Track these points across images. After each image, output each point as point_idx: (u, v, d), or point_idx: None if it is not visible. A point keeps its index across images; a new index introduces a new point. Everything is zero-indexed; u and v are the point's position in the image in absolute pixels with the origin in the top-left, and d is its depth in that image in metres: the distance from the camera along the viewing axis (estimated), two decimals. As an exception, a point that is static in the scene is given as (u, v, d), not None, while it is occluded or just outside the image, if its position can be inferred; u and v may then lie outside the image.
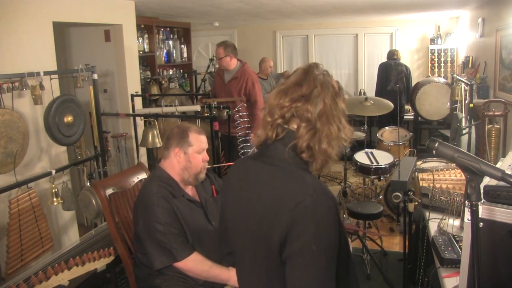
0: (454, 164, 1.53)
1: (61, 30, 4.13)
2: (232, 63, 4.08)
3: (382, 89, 5.77)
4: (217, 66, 5.68)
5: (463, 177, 2.31)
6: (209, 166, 2.20)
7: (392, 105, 4.47)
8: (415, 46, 6.69)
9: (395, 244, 3.69)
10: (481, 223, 1.19)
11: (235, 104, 3.97)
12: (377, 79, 5.93)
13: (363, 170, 4.02)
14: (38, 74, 2.60)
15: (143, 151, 4.02)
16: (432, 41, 6.44)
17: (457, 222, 2.03)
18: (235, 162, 1.31)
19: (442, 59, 6.32)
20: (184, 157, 2.02)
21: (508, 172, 0.94)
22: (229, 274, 1.97)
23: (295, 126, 1.10)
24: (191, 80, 6.14)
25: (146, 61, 5.17)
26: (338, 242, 1.04)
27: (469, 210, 0.97)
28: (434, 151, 1.04)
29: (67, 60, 4.21)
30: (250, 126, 4.07)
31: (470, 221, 0.97)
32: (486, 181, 1.31)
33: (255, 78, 4.15)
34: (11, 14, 2.78)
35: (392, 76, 5.72)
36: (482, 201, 1.22)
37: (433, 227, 2.11)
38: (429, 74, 6.30)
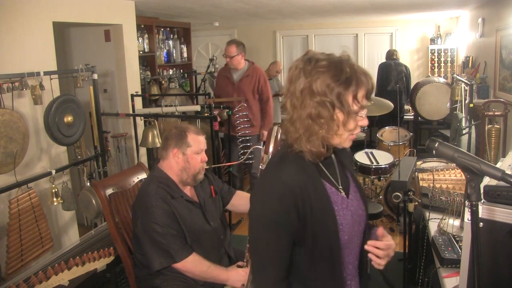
0: (454, 164, 1.53)
1: (61, 30, 4.13)
2: (242, 62, 4.06)
3: (382, 89, 5.77)
4: (217, 66, 5.70)
5: (463, 177, 2.31)
6: (208, 167, 2.20)
7: (392, 105, 4.47)
8: (415, 46, 6.69)
9: (395, 244, 3.68)
10: (481, 223, 1.19)
11: (236, 104, 3.97)
12: (377, 79, 5.93)
13: (363, 170, 4.02)
14: (38, 74, 2.60)
15: (143, 151, 4.02)
16: (432, 41, 6.44)
17: (457, 222, 2.03)
18: None
19: (442, 59, 6.32)
20: (183, 158, 2.02)
21: (508, 172, 0.94)
22: (228, 275, 1.97)
23: None
24: (191, 80, 6.14)
25: (146, 61, 5.16)
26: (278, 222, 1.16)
27: (469, 210, 0.97)
28: (434, 151, 1.04)
29: (67, 60, 4.21)
30: (262, 124, 4.09)
31: (470, 221, 0.97)
32: (486, 181, 1.31)
33: (265, 76, 4.18)
34: (11, 14, 2.78)
35: (392, 76, 5.72)
36: (482, 201, 1.22)
37: (433, 227, 2.11)
38: (429, 74, 6.30)
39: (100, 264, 2.25)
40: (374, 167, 3.98)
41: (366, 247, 1.21)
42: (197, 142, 2.05)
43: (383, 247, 1.22)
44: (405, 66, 5.83)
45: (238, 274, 1.98)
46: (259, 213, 1.18)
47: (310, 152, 1.15)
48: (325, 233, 1.18)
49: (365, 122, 1.18)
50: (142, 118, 3.57)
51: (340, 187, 1.25)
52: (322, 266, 1.20)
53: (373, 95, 5.40)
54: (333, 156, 1.27)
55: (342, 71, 1.13)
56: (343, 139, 1.17)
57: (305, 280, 1.23)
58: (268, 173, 1.24)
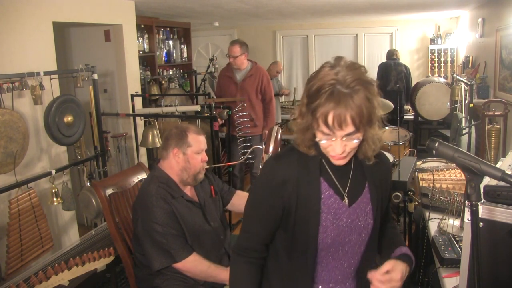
0: (454, 164, 1.54)
1: (61, 30, 4.13)
2: (245, 62, 4.06)
3: (382, 89, 5.74)
4: (217, 66, 5.70)
5: (463, 177, 2.31)
6: (208, 167, 2.20)
7: (392, 105, 4.46)
8: (415, 46, 6.68)
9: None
10: (481, 223, 1.19)
11: (236, 104, 3.97)
12: (377, 79, 5.86)
13: (363, 170, 4.01)
14: (38, 74, 2.60)
15: (143, 151, 4.02)
16: (432, 41, 6.44)
17: (457, 222, 2.03)
18: None
19: (442, 59, 6.31)
20: (183, 158, 2.02)
21: (508, 172, 0.94)
22: (228, 274, 1.97)
23: None
24: (191, 80, 6.14)
25: (146, 61, 5.16)
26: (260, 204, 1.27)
27: (469, 210, 0.97)
28: (434, 151, 1.04)
29: (67, 60, 4.21)
30: (264, 124, 4.09)
31: (470, 221, 0.97)
32: (486, 181, 1.31)
33: (269, 76, 4.18)
34: (11, 14, 2.78)
35: (392, 76, 5.72)
36: (482, 201, 1.22)
37: (433, 227, 2.11)
38: (429, 74, 6.30)
39: (100, 264, 2.25)
40: (374, 167, 3.97)
41: (368, 275, 1.19)
42: (198, 142, 2.05)
43: (383, 280, 1.18)
44: (405, 66, 5.83)
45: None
46: (251, 192, 1.32)
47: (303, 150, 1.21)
48: (304, 229, 1.20)
49: (333, 153, 1.13)
50: (142, 118, 3.57)
51: (345, 194, 1.24)
52: (296, 259, 1.25)
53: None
54: (352, 164, 1.25)
55: (319, 86, 1.09)
56: (325, 152, 1.17)
57: (281, 271, 1.29)
58: (271, 159, 1.32)
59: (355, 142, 1.10)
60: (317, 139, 1.13)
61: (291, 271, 1.27)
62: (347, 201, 1.24)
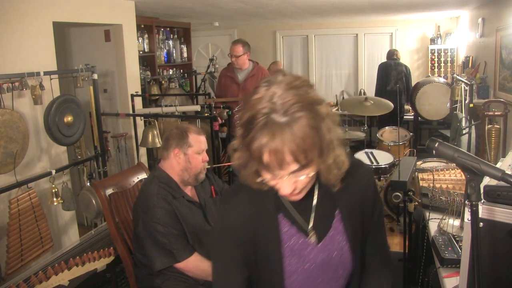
0: (454, 164, 1.54)
1: (61, 30, 4.13)
2: (247, 62, 4.04)
3: (382, 89, 5.77)
4: (217, 66, 5.70)
5: (463, 177, 2.31)
6: (209, 166, 2.20)
7: (392, 105, 4.47)
8: (415, 46, 6.69)
9: (395, 244, 3.68)
10: (481, 223, 1.18)
11: (236, 104, 3.97)
12: (377, 79, 5.93)
13: (363, 170, 4.01)
14: (38, 74, 2.60)
15: (143, 151, 4.02)
16: (432, 41, 6.44)
17: (457, 222, 2.03)
18: None
19: (442, 59, 6.32)
20: (184, 158, 2.02)
21: (508, 172, 0.94)
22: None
23: None
24: (191, 80, 6.14)
25: (146, 61, 5.17)
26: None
27: (469, 210, 0.97)
28: (434, 151, 1.03)
29: (67, 60, 4.21)
30: None
31: (470, 221, 0.97)
32: (486, 181, 1.31)
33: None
34: (12, 14, 2.78)
35: (392, 76, 5.72)
36: (482, 201, 1.22)
37: (433, 227, 2.11)
38: (429, 74, 6.30)
39: (100, 264, 2.25)
40: (374, 167, 3.97)
41: None
42: (198, 142, 2.05)
43: None
44: (405, 66, 5.83)
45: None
46: (212, 245, 1.17)
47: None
48: (268, 277, 1.05)
49: (282, 192, 0.94)
50: (142, 118, 3.57)
51: (311, 230, 1.05)
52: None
53: (373, 95, 5.39)
54: (316, 192, 1.04)
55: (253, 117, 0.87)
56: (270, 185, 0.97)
57: None
58: (221, 203, 1.17)
59: (301, 179, 0.91)
60: (259, 179, 0.94)
61: None
62: (314, 238, 1.06)
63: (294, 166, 0.86)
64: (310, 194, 1.02)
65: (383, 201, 3.97)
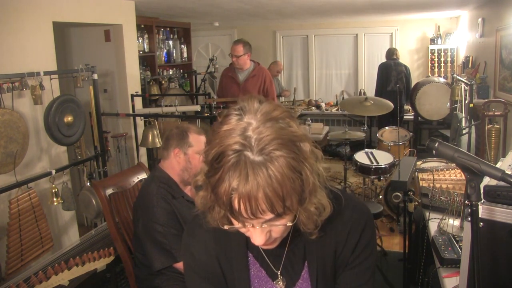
0: (454, 164, 1.54)
1: (61, 30, 4.13)
2: (248, 62, 4.04)
3: (382, 90, 5.76)
4: (217, 66, 5.70)
5: (463, 177, 2.31)
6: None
7: (392, 105, 4.47)
8: (415, 46, 6.69)
9: (395, 244, 3.69)
10: (481, 223, 1.18)
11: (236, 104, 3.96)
12: (377, 80, 5.92)
13: (363, 170, 4.02)
14: (38, 74, 2.60)
15: (143, 151, 4.02)
16: (432, 41, 6.44)
17: (457, 222, 2.03)
18: None
19: (442, 59, 6.32)
20: (184, 158, 2.02)
21: (508, 172, 0.94)
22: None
23: None
24: (191, 80, 6.15)
25: (146, 61, 5.17)
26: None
27: (469, 210, 0.97)
28: (434, 151, 1.03)
29: (67, 60, 4.21)
30: None
31: (470, 221, 0.97)
32: (486, 181, 1.31)
33: (271, 77, 4.16)
34: (11, 14, 2.78)
35: (392, 77, 5.72)
36: (482, 201, 1.22)
37: (433, 227, 2.11)
38: (429, 74, 6.30)
39: (100, 264, 2.25)
40: (374, 167, 3.97)
41: None
42: (199, 142, 2.05)
43: None
44: (405, 66, 5.83)
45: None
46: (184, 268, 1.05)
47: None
48: None
49: (255, 242, 0.81)
50: (142, 118, 3.57)
51: (279, 274, 0.96)
52: None
53: (373, 96, 5.37)
54: (290, 235, 0.93)
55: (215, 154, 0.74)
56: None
57: None
58: (184, 234, 1.01)
59: (281, 227, 0.79)
60: (226, 227, 0.80)
61: None
62: (282, 283, 0.96)
63: (269, 215, 0.73)
64: (283, 240, 0.90)
65: (383, 201, 3.97)
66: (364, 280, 0.97)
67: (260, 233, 0.78)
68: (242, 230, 0.80)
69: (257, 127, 0.71)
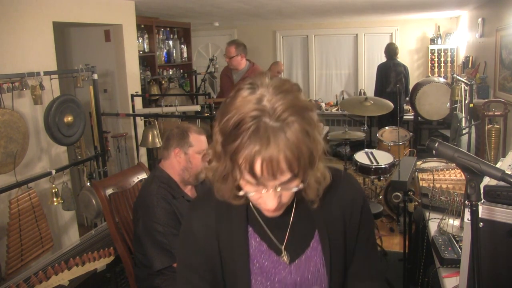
0: (454, 164, 1.54)
1: (61, 30, 4.13)
2: (242, 63, 4.05)
3: (381, 91, 5.75)
4: (217, 66, 5.70)
5: (463, 177, 2.32)
6: (209, 166, 2.20)
7: (392, 105, 4.47)
8: (415, 46, 6.69)
9: (395, 244, 3.68)
10: (481, 223, 1.19)
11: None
12: (376, 81, 5.91)
13: (363, 170, 4.02)
14: (38, 74, 2.60)
15: (143, 151, 4.02)
16: (432, 41, 6.44)
17: (457, 222, 2.03)
18: None
19: (442, 59, 6.32)
20: (185, 158, 2.02)
21: (508, 172, 0.94)
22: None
23: None
24: (191, 80, 6.15)
25: (146, 61, 5.17)
26: None
27: (469, 210, 0.97)
28: (434, 151, 1.03)
29: (67, 60, 4.21)
30: None
31: (470, 221, 0.97)
32: (486, 181, 1.31)
33: None
34: (11, 14, 2.78)
35: (391, 78, 5.72)
36: (482, 201, 1.22)
37: (433, 227, 2.11)
38: (429, 74, 6.30)
39: (100, 264, 2.25)
40: (374, 167, 3.97)
41: None
42: (199, 141, 2.05)
43: None
44: (404, 66, 5.82)
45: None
46: (178, 249, 1.08)
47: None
48: None
49: (264, 207, 0.87)
50: (142, 118, 3.57)
51: (283, 248, 0.97)
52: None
53: (372, 96, 5.36)
54: (294, 208, 0.97)
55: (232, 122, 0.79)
56: (254, 203, 0.92)
57: None
58: (188, 207, 1.06)
59: (293, 190, 0.84)
60: (241, 193, 0.85)
61: None
62: (286, 257, 0.97)
63: (287, 175, 0.79)
64: (286, 211, 0.93)
65: (383, 201, 3.97)
66: (375, 261, 1.07)
67: (273, 197, 0.83)
68: (254, 197, 0.85)
69: (271, 98, 0.78)
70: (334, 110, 6.62)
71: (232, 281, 0.97)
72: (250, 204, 0.95)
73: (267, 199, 0.84)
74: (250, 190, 0.83)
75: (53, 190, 2.76)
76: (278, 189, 0.81)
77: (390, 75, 5.72)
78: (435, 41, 6.40)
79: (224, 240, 0.96)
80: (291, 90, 0.81)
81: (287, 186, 0.82)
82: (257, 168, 0.77)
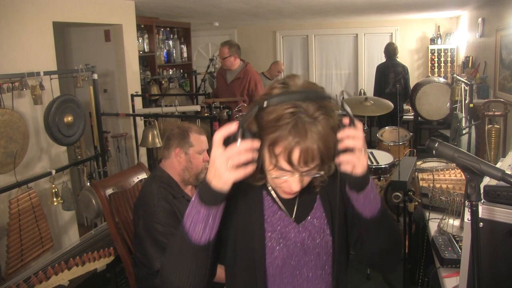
0: (454, 164, 1.53)
1: (61, 30, 4.13)
2: (236, 63, 4.06)
3: (380, 92, 5.75)
4: (217, 66, 5.70)
5: (463, 177, 2.32)
6: (209, 166, 2.20)
7: (392, 105, 4.47)
8: (415, 46, 6.69)
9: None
10: (481, 223, 1.19)
11: (236, 104, 3.97)
12: (375, 82, 5.90)
13: (363, 170, 4.01)
14: (38, 74, 2.60)
15: (143, 151, 4.02)
16: (432, 41, 6.44)
17: (457, 222, 2.03)
18: None
19: (442, 59, 6.32)
20: (185, 158, 2.02)
21: (508, 172, 0.94)
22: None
23: None
24: (191, 80, 6.15)
25: (146, 61, 5.17)
26: None
27: (469, 210, 0.97)
28: (434, 151, 1.03)
29: (67, 60, 4.21)
30: None
31: (470, 221, 0.97)
32: (486, 181, 1.31)
33: (258, 79, 4.14)
34: (11, 15, 2.78)
35: (390, 79, 5.71)
36: (482, 201, 1.22)
37: (433, 227, 2.11)
38: (429, 74, 6.30)
39: (100, 264, 2.25)
40: (374, 167, 3.97)
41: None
42: (200, 142, 2.05)
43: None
44: (403, 67, 5.81)
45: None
46: None
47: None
48: (248, 252, 1.06)
49: (288, 190, 0.98)
50: (142, 118, 3.57)
51: (294, 212, 1.09)
52: (243, 279, 1.10)
53: (372, 96, 5.34)
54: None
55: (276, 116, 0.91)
56: (275, 186, 1.03)
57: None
58: None
59: (315, 176, 0.97)
60: (272, 175, 0.97)
61: None
62: (294, 217, 1.10)
63: (316, 163, 0.91)
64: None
65: (383, 201, 3.96)
66: None
67: (298, 181, 0.96)
68: (279, 180, 0.97)
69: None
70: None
71: (248, 239, 1.06)
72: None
73: (293, 183, 0.96)
74: (280, 175, 0.95)
75: (53, 190, 2.76)
76: (304, 174, 0.94)
77: (389, 76, 5.72)
78: (435, 41, 6.40)
79: (242, 196, 1.06)
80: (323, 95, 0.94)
81: (311, 172, 0.94)
82: (294, 157, 0.89)
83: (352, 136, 0.91)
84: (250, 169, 0.88)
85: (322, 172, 0.97)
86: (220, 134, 0.88)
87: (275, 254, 1.07)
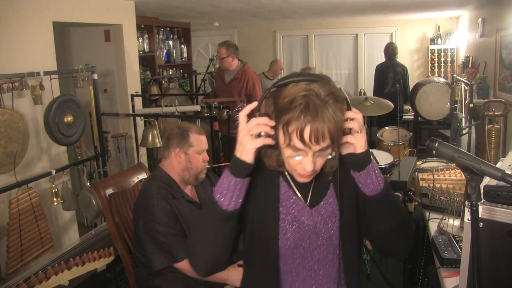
0: (454, 164, 1.53)
1: (61, 30, 4.12)
2: (234, 64, 4.07)
3: (380, 92, 5.74)
4: (217, 66, 5.69)
5: (463, 177, 2.32)
6: (209, 166, 2.20)
7: (392, 105, 4.47)
8: (415, 46, 6.69)
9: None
10: (481, 223, 1.19)
11: (235, 104, 3.97)
12: (375, 82, 5.90)
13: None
14: (38, 74, 2.60)
15: (143, 151, 4.02)
16: (432, 41, 6.44)
17: (457, 222, 2.03)
18: None
19: (442, 59, 6.32)
20: (185, 158, 2.02)
21: (508, 172, 0.94)
22: (228, 274, 1.97)
23: None
24: (191, 80, 6.14)
25: (146, 61, 5.16)
26: None
27: (469, 210, 0.97)
28: (434, 151, 1.04)
29: (67, 60, 4.20)
30: None
31: (470, 221, 0.97)
32: (486, 181, 1.31)
33: (256, 79, 4.14)
34: (11, 14, 2.78)
35: (389, 79, 5.71)
36: (482, 201, 1.22)
37: (433, 227, 2.11)
38: (429, 74, 6.30)
39: (100, 264, 2.25)
40: (374, 167, 3.96)
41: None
42: (199, 142, 2.05)
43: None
44: (402, 67, 5.80)
45: (238, 273, 1.97)
46: None
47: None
48: (263, 232, 1.14)
49: (302, 171, 1.05)
50: (142, 118, 3.57)
51: (308, 198, 1.17)
52: (257, 268, 1.17)
53: (372, 96, 5.34)
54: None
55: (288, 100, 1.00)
56: (291, 169, 1.09)
57: (247, 283, 1.25)
58: None
59: (327, 157, 1.04)
60: (286, 154, 1.04)
61: (255, 283, 1.19)
62: (308, 202, 1.17)
63: (327, 142, 0.98)
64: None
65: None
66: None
67: (311, 161, 1.02)
68: (295, 162, 1.04)
69: (317, 85, 1.00)
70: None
71: (263, 221, 1.13)
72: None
73: (306, 163, 1.02)
74: (294, 155, 1.02)
75: (53, 190, 2.76)
76: (316, 154, 1.01)
77: (388, 76, 5.71)
78: (435, 41, 6.40)
79: (260, 180, 1.14)
80: (329, 81, 1.04)
81: (323, 153, 1.01)
82: (306, 135, 0.96)
83: (351, 116, 1.02)
84: (268, 140, 1.00)
85: (334, 154, 1.03)
86: (244, 112, 1.02)
87: (288, 235, 1.14)
